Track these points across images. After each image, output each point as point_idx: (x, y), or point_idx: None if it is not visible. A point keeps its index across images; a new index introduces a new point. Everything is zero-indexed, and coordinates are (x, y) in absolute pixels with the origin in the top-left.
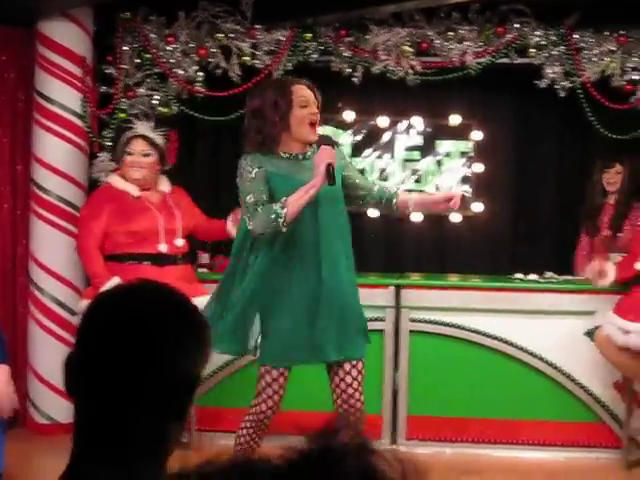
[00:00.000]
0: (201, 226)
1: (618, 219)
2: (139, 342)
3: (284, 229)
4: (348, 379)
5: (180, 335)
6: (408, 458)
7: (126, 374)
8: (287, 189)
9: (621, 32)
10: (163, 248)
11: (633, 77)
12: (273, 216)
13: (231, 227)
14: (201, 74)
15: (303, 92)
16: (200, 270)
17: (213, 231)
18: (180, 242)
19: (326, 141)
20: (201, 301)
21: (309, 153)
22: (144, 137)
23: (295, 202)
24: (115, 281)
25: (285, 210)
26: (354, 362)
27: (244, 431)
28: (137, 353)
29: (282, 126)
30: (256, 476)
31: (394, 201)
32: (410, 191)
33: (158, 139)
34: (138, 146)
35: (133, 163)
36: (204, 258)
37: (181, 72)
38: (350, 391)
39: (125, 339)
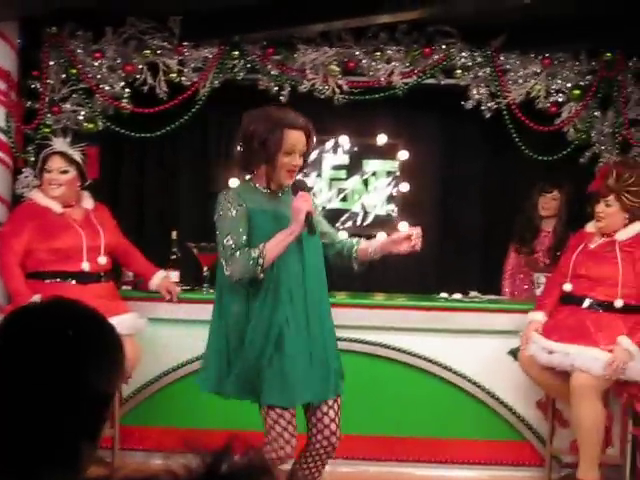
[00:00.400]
0: (122, 250)
1: (557, 248)
2: (52, 360)
3: (261, 275)
4: (331, 414)
5: (94, 353)
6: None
7: (39, 392)
8: (269, 223)
9: (546, 54)
10: (86, 266)
11: (558, 99)
12: (251, 262)
13: (155, 286)
14: (128, 90)
15: (293, 139)
16: (124, 287)
17: (135, 267)
18: (103, 260)
19: (301, 186)
20: (124, 319)
21: (286, 189)
22: (61, 154)
23: (274, 248)
24: (36, 299)
25: (263, 257)
26: (335, 398)
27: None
28: (50, 371)
29: (266, 165)
30: None
31: (355, 249)
32: (368, 237)
33: (76, 155)
34: (55, 163)
35: (51, 181)
36: (128, 276)
37: (107, 88)
38: (333, 427)
39: (38, 357)
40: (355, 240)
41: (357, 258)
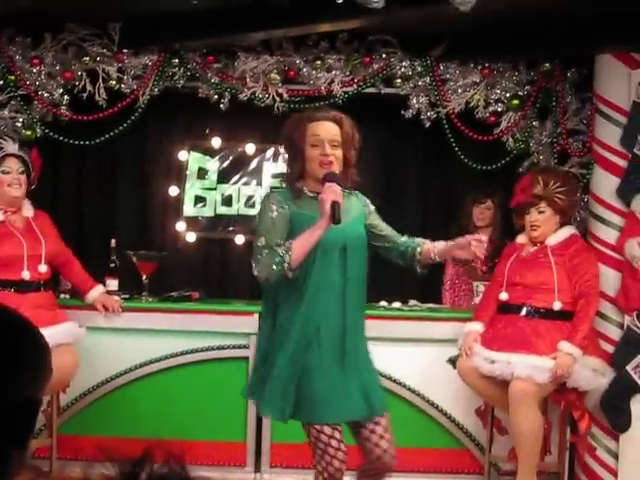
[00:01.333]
0: (63, 259)
1: (493, 257)
2: None
3: (290, 274)
4: (380, 431)
5: (20, 360)
6: None
7: None
8: (303, 228)
9: (485, 64)
10: (26, 275)
11: (497, 109)
12: (277, 260)
13: (91, 300)
14: (66, 97)
15: (318, 130)
16: (62, 296)
17: (74, 278)
18: (43, 268)
19: (330, 178)
20: (62, 328)
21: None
22: (16, 156)
23: (300, 245)
24: None
25: (289, 254)
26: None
27: None
28: None
29: (298, 163)
30: None
31: (418, 251)
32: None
33: (27, 158)
34: (13, 164)
35: (12, 181)
36: (66, 284)
37: (46, 95)
38: (384, 445)
39: None
40: (418, 241)
41: (420, 260)
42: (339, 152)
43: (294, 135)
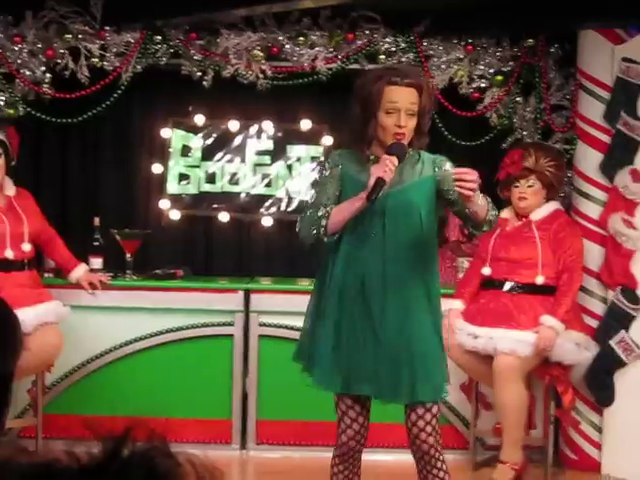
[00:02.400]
0: (46, 238)
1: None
2: None
3: (325, 239)
4: (421, 424)
5: None
6: (205, 462)
7: None
8: (354, 193)
9: (469, 40)
10: (9, 254)
11: (480, 85)
12: (315, 220)
13: (75, 279)
14: (49, 75)
15: (395, 96)
16: (46, 275)
17: (57, 257)
18: (27, 247)
19: (393, 150)
20: (47, 307)
21: (404, 160)
22: None
23: (338, 212)
24: None
25: (327, 218)
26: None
27: (335, 469)
28: None
29: (369, 128)
30: (43, 477)
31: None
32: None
33: (4, 138)
34: None
35: None
36: (50, 263)
37: (28, 73)
38: (423, 436)
39: None
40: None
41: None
42: (413, 122)
43: (369, 97)
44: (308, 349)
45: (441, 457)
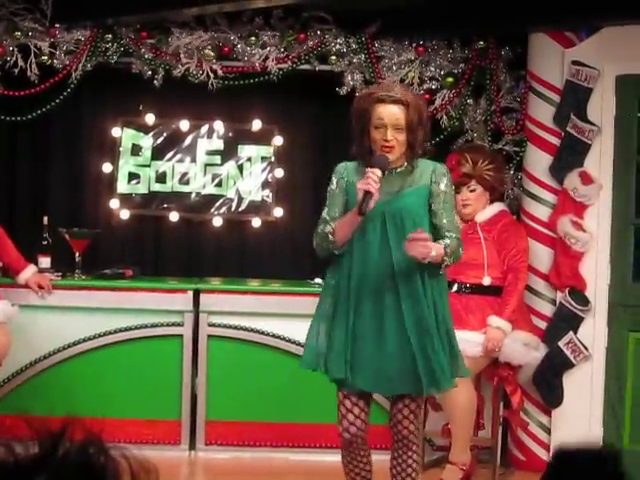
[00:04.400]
0: None
1: None
2: None
3: (337, 252)
4: (405, 412)
5: None
6: (139, 458)
7: None
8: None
9: (420, 42)
10: None
11: (431, 86)
12: (324, 236)
13: (23, 281)
14: None
15: (382, 112)
16: None
17: (5, 258)
18: None
19: (375, 162)
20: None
21: (400, 170)
22: None
23: (341, 228)
24: None
25: (333, 235)
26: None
27: (342, 460)
28: None
29: (365, 142)
30: None
31: None
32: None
33: None
34: None
35: None
36: None
37: None
38: (406, 423)
39: None
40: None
41: None
42: (402, 136)
43: (362, 113)
44: (317, 348)
45: (417, 442)
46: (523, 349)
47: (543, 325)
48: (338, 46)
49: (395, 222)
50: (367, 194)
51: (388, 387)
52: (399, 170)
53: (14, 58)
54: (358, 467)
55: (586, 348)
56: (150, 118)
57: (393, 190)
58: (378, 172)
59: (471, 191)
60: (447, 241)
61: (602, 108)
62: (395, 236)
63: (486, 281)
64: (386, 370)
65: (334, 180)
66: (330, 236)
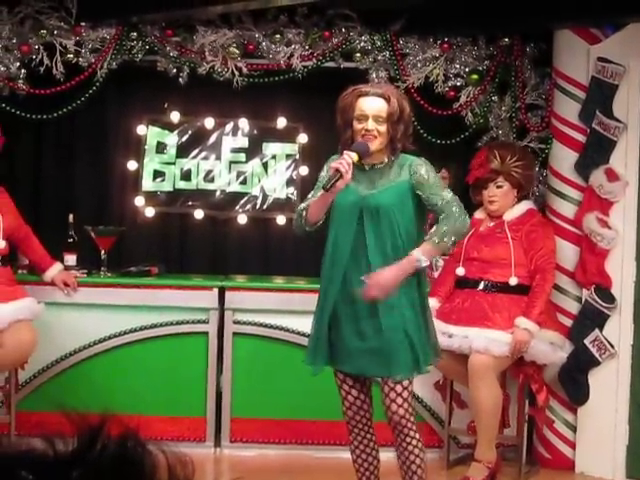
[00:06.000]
0: (22, 235)
1: None
2: None
3: (307, 229)
4: (392, 395)
5: None
6: (177, 452)
7: None
8: (341, 193)
9: (445, 39)
10: None
11: (456, 83)
12: (298, 214)
13: (49, 279)
14: (23, 71)
15: (364, 106)
16: (20, 272)
17: (32, 255)
18: (2, 244)
19: (354, 147)
20: (21, 304)
21: (379, 166)
22: None
23: (313, 204)
24: None
25: (306, 211)
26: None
27: (350, 445)
28: None
29: (348, 134)
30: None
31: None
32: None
33: None
34: None
35: None
36: (24, 260)
37: (3, 69)
38: (394, 407)
39: None
40: (426, 238)
41: None
42: (383, 127)
43: (345, 108)
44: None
45: (414, 428)
46: (549, 349)
47: (569, 323)
48: (363, 43)
49: (372, 217)
50: (337, 172)
51: (360, 368)
52: (379, 166)
53: (40, 56)
54: (359, 453)
55: (612, 346)
56: (175, 116)
57: (371, 186)
58: (354, 155)
59: (498, 187)
60: (443, 228)
61: (628, 104)
62: (372, 231)
63: (513, 281)
64: (360, 351)
65: (325, 168)
66: (303, 212)
